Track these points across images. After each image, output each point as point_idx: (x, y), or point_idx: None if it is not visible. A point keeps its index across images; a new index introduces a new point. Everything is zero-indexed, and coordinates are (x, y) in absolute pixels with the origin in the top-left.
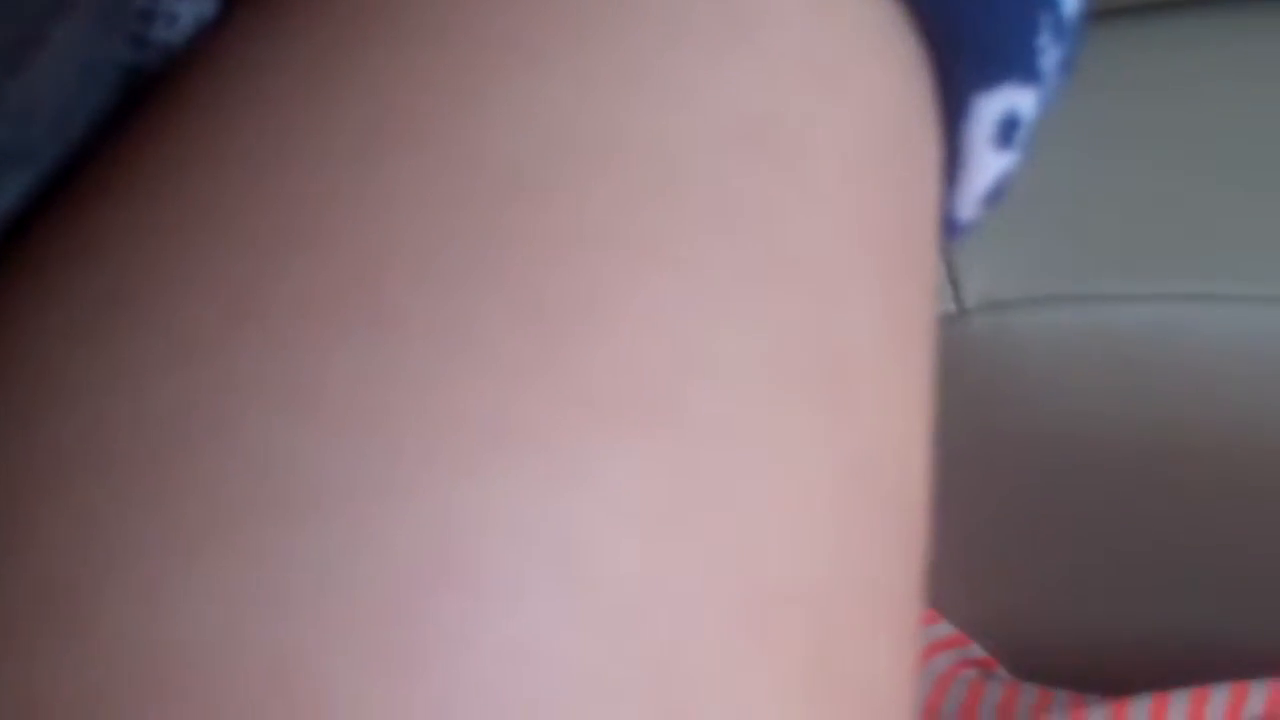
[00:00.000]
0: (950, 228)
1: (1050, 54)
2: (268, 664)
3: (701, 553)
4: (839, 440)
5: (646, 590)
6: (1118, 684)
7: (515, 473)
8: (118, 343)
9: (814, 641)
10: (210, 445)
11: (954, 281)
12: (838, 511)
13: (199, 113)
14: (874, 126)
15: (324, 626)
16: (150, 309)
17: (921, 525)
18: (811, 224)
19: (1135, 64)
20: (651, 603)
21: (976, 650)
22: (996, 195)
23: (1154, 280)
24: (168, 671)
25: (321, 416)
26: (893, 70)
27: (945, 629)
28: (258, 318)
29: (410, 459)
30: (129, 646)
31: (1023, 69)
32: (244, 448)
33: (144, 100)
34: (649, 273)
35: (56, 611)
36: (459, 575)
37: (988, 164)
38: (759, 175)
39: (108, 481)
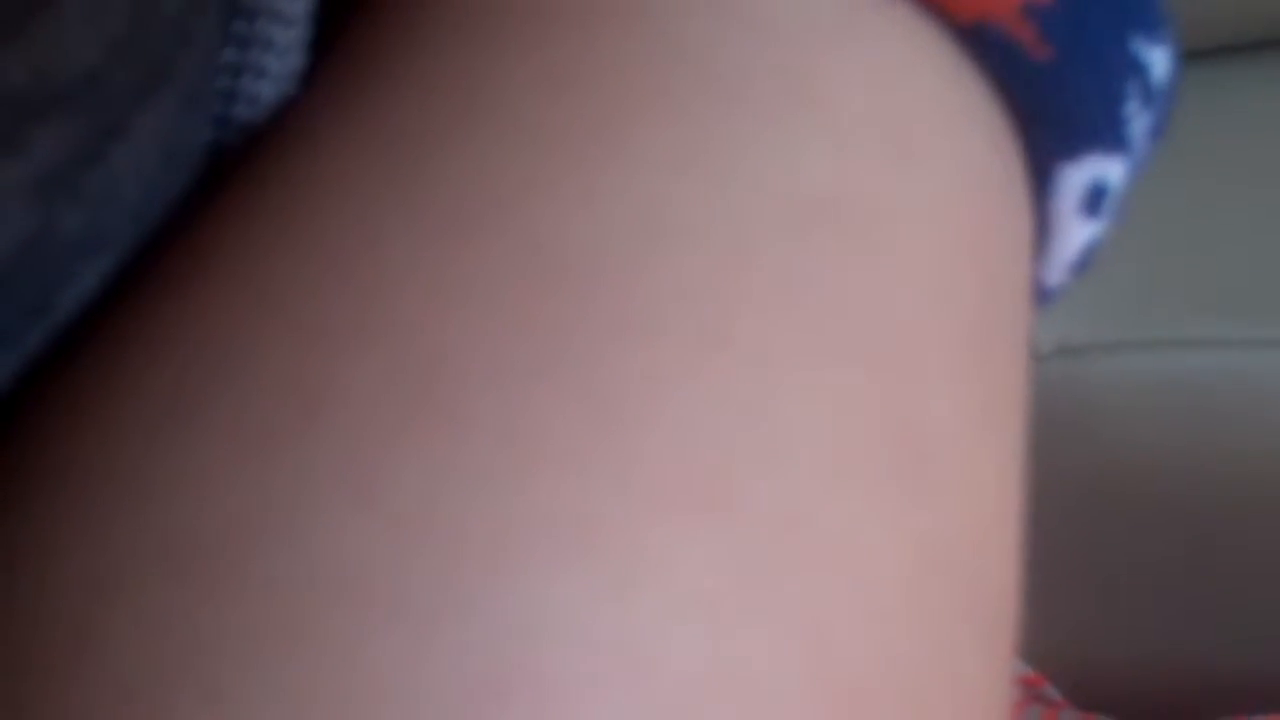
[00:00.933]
0: (1039, 294)
1: (1139, 121)
2: None
3: (770, 648)
4: (913, 526)
5: (717, 691)
6: None
7: (579, 575)
8: (187, 439)
9: None
10: (280, 547)
11: None
12: (913, 599)
13: (273, 202)
14: (957, 196)
15: None
16: (220, 404)
17: (1008, 609)
18: (887, 300)
19: (1211, 106)
20: (722, 703)
21: (1051, 691)
22: (1085, 262)
23: (1229, 326)
24: None
25: (391, 519)
26: (975, 139)
27: (1020, 667)
28: (329, 415)
29: (476, 563)
30: None
31: (1109, 138)
32: (314, 551)
33: (221, 176)
34: (709, 358)
35: (126, 713)
36: (523, 687)
37: (1075, 232)
38: (826, 251)
39: (177, 582)
